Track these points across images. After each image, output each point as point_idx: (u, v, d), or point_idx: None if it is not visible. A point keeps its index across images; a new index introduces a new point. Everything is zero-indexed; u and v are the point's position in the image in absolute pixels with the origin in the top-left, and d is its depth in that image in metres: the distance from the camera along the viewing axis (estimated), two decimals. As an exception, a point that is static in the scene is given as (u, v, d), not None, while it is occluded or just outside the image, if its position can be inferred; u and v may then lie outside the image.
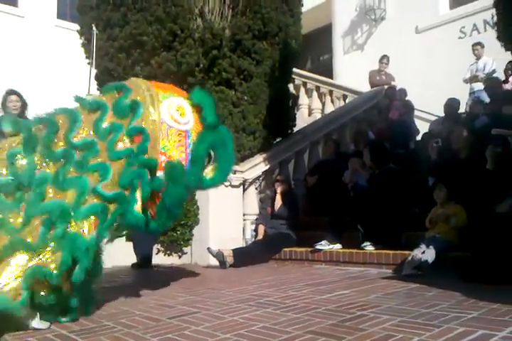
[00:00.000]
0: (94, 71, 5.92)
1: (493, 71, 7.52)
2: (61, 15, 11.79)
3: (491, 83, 6.93)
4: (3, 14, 10.65)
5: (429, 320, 2.17)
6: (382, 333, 1.97)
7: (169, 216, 2.59)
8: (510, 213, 3.40)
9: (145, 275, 4.53)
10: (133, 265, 5.11)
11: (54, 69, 10.57)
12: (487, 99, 6.92)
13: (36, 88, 9.27)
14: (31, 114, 5.52)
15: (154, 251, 5.38)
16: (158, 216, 2.54)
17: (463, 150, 4.56)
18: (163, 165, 2.50)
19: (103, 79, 6.03)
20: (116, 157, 2.36)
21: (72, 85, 9.36)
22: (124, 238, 5.33)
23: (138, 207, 2.34)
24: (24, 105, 5.35)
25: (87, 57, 6.08)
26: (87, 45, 6.06)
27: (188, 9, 5.59)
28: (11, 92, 5.28)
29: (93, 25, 5.71)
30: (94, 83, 6.05)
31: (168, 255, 5.46)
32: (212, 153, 2.80)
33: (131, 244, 5.36)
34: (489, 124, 5.31)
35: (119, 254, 5.12)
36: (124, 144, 2.42)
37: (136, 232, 5.23)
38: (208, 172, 2.76)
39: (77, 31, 6.42)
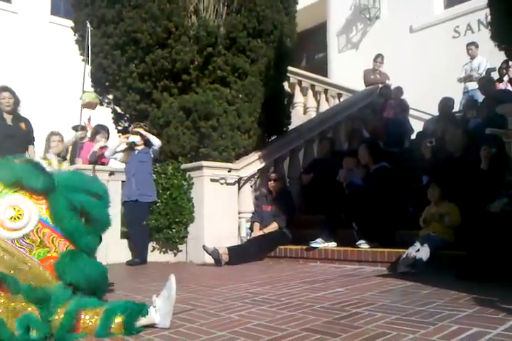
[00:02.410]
0: (88, 68, 5.90)
1: (493, 68, 7.54)
2: (55, 11, 11.73)
3: (485, 82, 6.95)
4: (-4, 10, 10.58)
5: (424, 317, 2.18)
6: (377, 331, 1.98)
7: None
8: (503, 212, 3.42)
9: (140, 272, 4.52)
10: (128, 262, 5.11)
11: (48, 65, 10.51)
12: (481, 99, 6.95)
13: (30, 85, 9.22)
14: (24, 110, 5.53)
15: (149, 248, 5.38)
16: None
17: (457, 149, 4.58)
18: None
19: (98, 76, 6.02)
20: None
21: (66, 82, 9.36)
22: (119, 235, 5.34)
23: None
24: (17, 102, 5.33)
25: (81, 54, 6.06)
26: (81, 42, 6.04)
27: (182, 7, 5.58)
28: (4, 89, 5.26)
29: (87, 21, 5.71)
30: (88, 80, 6.03)
31: (164, 253, 5.46)
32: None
33: (126, 241, 5.37)
34: (483, 124, 5.33)
35: (114, 251, 5.13)
36: None
37: (132, 230, 5.26)
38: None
39: (72, 28, 6.39)
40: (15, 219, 2.09)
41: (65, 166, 2.16)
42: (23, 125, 5.39)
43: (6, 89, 5.27)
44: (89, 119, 5.95)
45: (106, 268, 2.41)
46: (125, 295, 2.99)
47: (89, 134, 6.40)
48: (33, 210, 2.13)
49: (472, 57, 8.00)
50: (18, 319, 1.92)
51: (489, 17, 4.80)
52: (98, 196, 2.34)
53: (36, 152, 5.65)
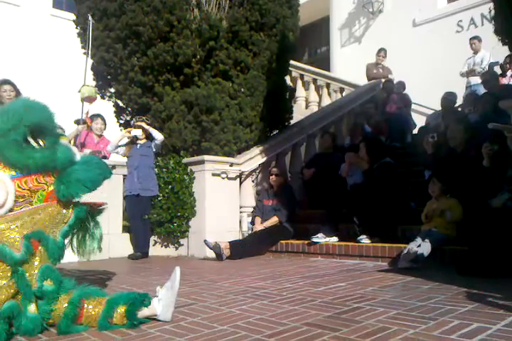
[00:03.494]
0: (90, 61, 5.88)
1: (496, 63, 7.50)
2: (57, 4, 11.67)
3: (489, 76, 6.92)
4: (-2, 3, 10.54)
5: (425, 312, 2.19)
6: (378, 325, 1.99)
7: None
8: (505, 207, 3.42)
9: (141, 266, 4.54)
10: (130, 256, 5.13)
11: (50, 58, 10.48)
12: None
13: (31, 78, 9.19)
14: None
15: (151, 242, 5.40)
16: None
17: (459, 144, 4.57)
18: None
19: (99, 69, 6.00)
20: None
21: (68, 75, 9.34)
22: (121, 229, 5.35)
23: None
24: (18, 95, 5.31)
25: (83, 47, 6.03)
26: (83, 35, 6.01)
27: (185, 0, 5.55)
28: (5, 82, 5.24)
29: (89, 15, 5.68)
30: (90, 73, 6.01)
31: (165, 247, 5.47)
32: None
33: (128, 235, 5.38)
34: (479, 119, 5.32)
35: (116, 245, 5.15)
36: None
37: (134, 224, 5.27)
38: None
39: (73, 21, 6.37)
40: None
41: None
42: (24, 118, 5.38)
43: (7, 82, 5.25)
44: (87, 113, 5.94)
45: (91, 157, 2.35)
46: (127, 289, 2.99)
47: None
48: (2, 176, 2.08)
49: (475, 52, 7.96)
50: (40, 270, 2.01)
51: (493, 11, 4.77)
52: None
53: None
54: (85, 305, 2.06)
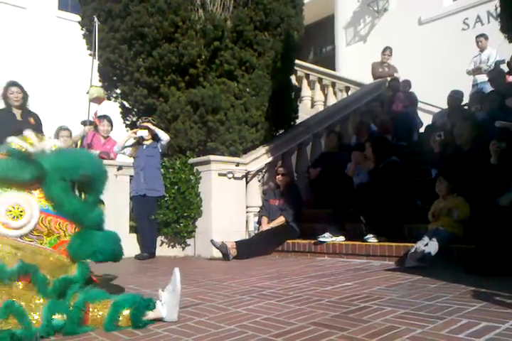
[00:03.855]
0: (96, 62, 5.90)
1: (503, 61, 7.45)
2: (62, 6, 11.73)
3: (495, 74, 6.88)
4: (4, 5, 10.60)
5: (432, 312, 2.18)
6: (385, 325, 1.98)
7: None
8: (512, 206, 3.40)
9: (148, 266, 4.55)
10: (137, 256, 5.14)
11: (56, 60, 10.53)
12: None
13: (38, 80, 9.24)
14: (32, 105, 5.56)
15: (158, 242, 5.41)
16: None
17: (465, 142, 4.55)
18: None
19: (105, 70, 6.03)
20: None
21: (74, 77, 9.38)
22: (127, 230, 5.37)
23: None
24: (25, 96, 5.35)
25: (88, 49, 6.06)
26: (88, 37, 6.04)
27: (189, 0, 5.56)
28: (13, 84, 5.27)
29: (94, 16, 5.71)
30: (96, 74, 6.04)
31: (172, 247, 5.49)
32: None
33: (135, 235, 5.40)
34: (486, 117, 5.29)
35: (123, 246, 5.15)
36: None
37: (140, 224, 5.29)
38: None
39: (79, 22, 6.40)
40: (17, 217, 2.08)
41: (47, 142, 2.05)
42: (32, 120, 5.41)
43: (14, 84, 5.28)
44: (95, 114, 5.97)
45: (115, 234, 2.39)
46: (134, 289, 3.01)
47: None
48: (32, 203, 2.13)
49: (481, 50, 7.90)
50: (46, 306, 1.97)
51: (499, 8, 4.75)
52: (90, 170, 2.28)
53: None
54: (90, 309, 2.06)
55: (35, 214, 2.12)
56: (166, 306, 2.13)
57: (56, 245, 2.16)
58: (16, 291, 1.98)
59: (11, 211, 2.08)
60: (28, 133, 2.34)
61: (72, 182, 2.22)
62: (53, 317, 1.98)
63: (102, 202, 2.47)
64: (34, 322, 1.93)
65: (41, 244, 2.14)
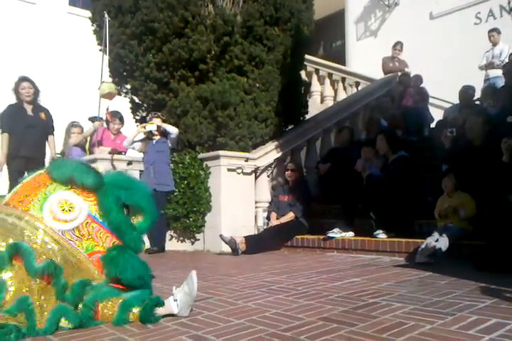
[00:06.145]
0: (106, 58, 5.92)
1: None
2: (73, 1, 11.78)
3: (510, 67, 6.78)
4: (15, 1, 10.66)
5: (442, 308, 2.17)
6: (394, 320, 1.98)
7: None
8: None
9: (158, 260, 4.58)
10: (146, 250, 5.17)
11: (66, 56, 10.59)
12: (502, 86, 6.80)
13: (48, 75, 9.30)
14: (43, 100, 5.60)
15: (167, 237, 5.44)
16: None
17: (477, 138, 4.50)
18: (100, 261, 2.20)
19: (115, 66, 6.04)
20: None
21: (84, 72, 9.42)
22: (137, 224, 5.39)
23: None
24: (36, 92, 5.39)
25: (99, 44, 6.08)
26: (99, 32, 6.06)
27: (199, -5, 5.55)
28: (24, 79, 5.31)
29: (105, 12, 5.72)
30: (106, 70, 6.06)
31: (181, 241, 5.52)
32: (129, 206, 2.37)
33: (144, 230, 5.41)
34: (500, 112, 5.23)
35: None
36: None
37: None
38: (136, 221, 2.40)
39: (89, 18, 6.42)
40: (66, 211, 2.15)
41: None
42: (43, 115, 5.46)
43: (26, 79, 5.33)
44: (107, 109, 5.99)
45: (149, 267, 2.41)
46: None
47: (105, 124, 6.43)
48: (83, 205, 2.19)
49: (494, 44, 7.81)
50: (53, 309, 1.98)
51: (511, 3, 4.68)
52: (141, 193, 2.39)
53: (56, 142, 5.72)
54: (100, 309, 2.07)
55: (83, 213, 2.17)
56: (179, 305, 2.13)
57: (91, 253, 2.17)
58: (36, 288, 1.99)
59: (62, 205, 2.15)
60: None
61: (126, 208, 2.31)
62: (61, 321, 1.99)
63: (144, 243, 2.56)
64: (39, 323, 1.94)
65: (78, 246, 2.15)
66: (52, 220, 2.12)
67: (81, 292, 2.08)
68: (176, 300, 2.13)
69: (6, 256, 2.00)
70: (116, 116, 6.04)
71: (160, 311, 2.11)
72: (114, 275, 2.16)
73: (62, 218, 2.13)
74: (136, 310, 2.07)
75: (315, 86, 8.68)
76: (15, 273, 1.99)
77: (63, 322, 2.00)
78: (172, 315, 2.14)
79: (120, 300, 2.09)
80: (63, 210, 2.14)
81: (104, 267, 2.17)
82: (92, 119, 6.22)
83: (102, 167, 5.16)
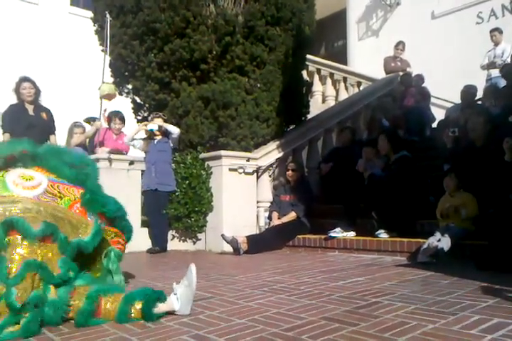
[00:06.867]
0: (108, 58, 5.93)
1: None
2: (74, 2, 11.78)
3: (510, 69, 6.78)
4: (17, 1, 10.67)
5: (444, 307, 2.17)
6: (397, 320, 1.97)
7: None
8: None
9: (160, 260, 4.58)
10: (148, 250, 5.18)
11: (68, 56, 10.60)
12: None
13: (50, 75, 9.31)
14: (44, 101, 5.60)
15: (169, 237, 5.45)
16: None
17: (479, 137, 4.49)
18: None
19: (117, 66, 6.05)
20: None
21: (86, 72, 9.43)
22: (139, 224, 5.40)
23: None
24: (38, 92, 5.39)
25: (100, 44, 6.09)
26: (100, 32, 6.06)
27: (201, -5, 5.55)
28: (25, 79, 5.31)
29: (106, 12, 5.72)
30: (108, 70, 6.06)
31: (183, 241, 5.52)
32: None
33: (146, 229, 5.43)
34: (502, 112, 5.22)
35: (134, 240, 5.17)
36: None
37: (152, 218, 5.32)
38: None
39: (91, 18, 6.42)
40: (29, 179, 2.36)
41: None
42: (44, 115, 5.46)
43: (27, 79, 5.32)
44: (105, 111, 5.98)
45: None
46: (145, 283, 3.03)
47: (105, 124, 6.43)
48: (38, 173, 2.43)
49: (496, 44, 7.80)
50: (60, 259, 2.14)
51: (514, 2, 4.67)
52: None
53: (57, 142, 5.72)
54: (102, 303, 2.08)
55: (44, 180, 2.40)
56: (180, 300, 2.14)
57: (70, 206, 2.37)
58: (40, 252, 2.11)
59: (23, 176, 2.36)
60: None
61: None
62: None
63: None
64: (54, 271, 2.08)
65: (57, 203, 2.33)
66: (22, 190, 2.29)
67: (76, 249, 2.26)
68: (176, 294, 2.14)
69: (1, 233, 2.10)
70: (117, 115, 6.05)
71: (161, 307, 2.11)
72: (100, 210, 2.43)
73: (30, 185, 2.33)
74: (138, 304, 2.08)
75: (316, 86, 8.68)
76: (15, 248, 2.10)
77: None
78: (174, 314, 2.14)
79: (123, 295, 2.11)
80: (26, 180, 2.35)
81: (88, 209, 2.41)
82: (88, 120, 6.23)
83: (102, 166, 5.19)
